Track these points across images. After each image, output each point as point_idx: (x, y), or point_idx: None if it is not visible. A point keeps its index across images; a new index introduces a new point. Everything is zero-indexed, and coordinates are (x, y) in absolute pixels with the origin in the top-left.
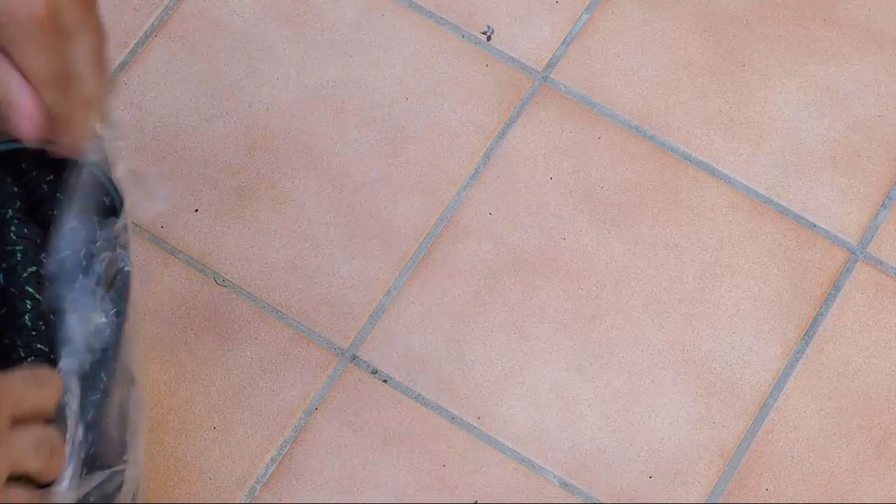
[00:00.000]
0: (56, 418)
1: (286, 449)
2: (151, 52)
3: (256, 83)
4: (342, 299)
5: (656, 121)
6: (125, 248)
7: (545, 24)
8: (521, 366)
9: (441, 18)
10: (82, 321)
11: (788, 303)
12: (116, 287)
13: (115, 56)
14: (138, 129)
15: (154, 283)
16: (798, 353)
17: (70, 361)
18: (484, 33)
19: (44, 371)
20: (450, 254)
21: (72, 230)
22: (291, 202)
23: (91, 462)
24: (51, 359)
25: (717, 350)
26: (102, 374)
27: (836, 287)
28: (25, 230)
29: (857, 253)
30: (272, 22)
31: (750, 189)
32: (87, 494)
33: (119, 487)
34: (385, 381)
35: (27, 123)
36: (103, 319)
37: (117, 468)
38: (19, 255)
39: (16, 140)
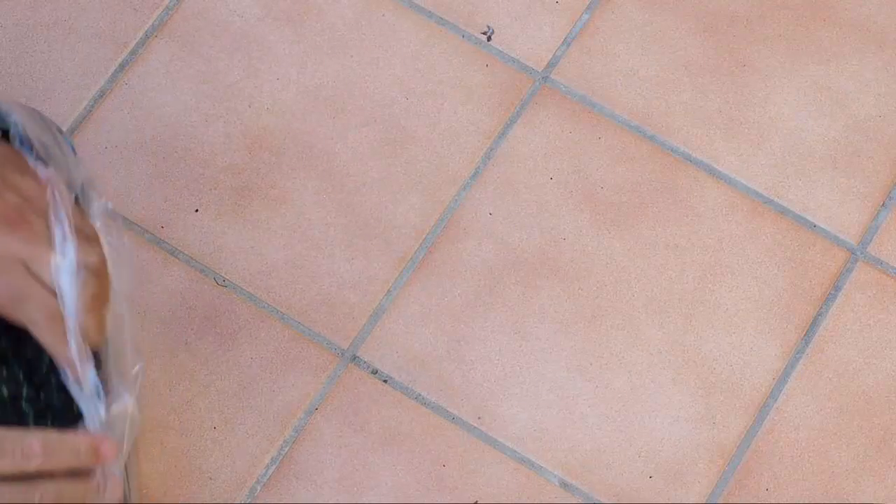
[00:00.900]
0: None
1: (286, 449)
2: (151, 52)
3: (256, 83)
4: (342, 299)
5: (656, 121)
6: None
7: (545, 24)
8: (521, 366)
9: (441, 18)
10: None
11: (788, 303)
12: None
13: (115, 56)
14: (138, 130)
15: (154, 283)
16: (798, 353)
17: None
18: (484, 33)
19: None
20: (450, 254)
21: None
22: (291, 202)
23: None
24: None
25: (717, 350)
26: None
27: (836, 287)
28: None
29: (858, 253)
30: (272, 22)
31: (750, 189)
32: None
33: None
34: (385, 381)
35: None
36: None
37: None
38: None
39: None
